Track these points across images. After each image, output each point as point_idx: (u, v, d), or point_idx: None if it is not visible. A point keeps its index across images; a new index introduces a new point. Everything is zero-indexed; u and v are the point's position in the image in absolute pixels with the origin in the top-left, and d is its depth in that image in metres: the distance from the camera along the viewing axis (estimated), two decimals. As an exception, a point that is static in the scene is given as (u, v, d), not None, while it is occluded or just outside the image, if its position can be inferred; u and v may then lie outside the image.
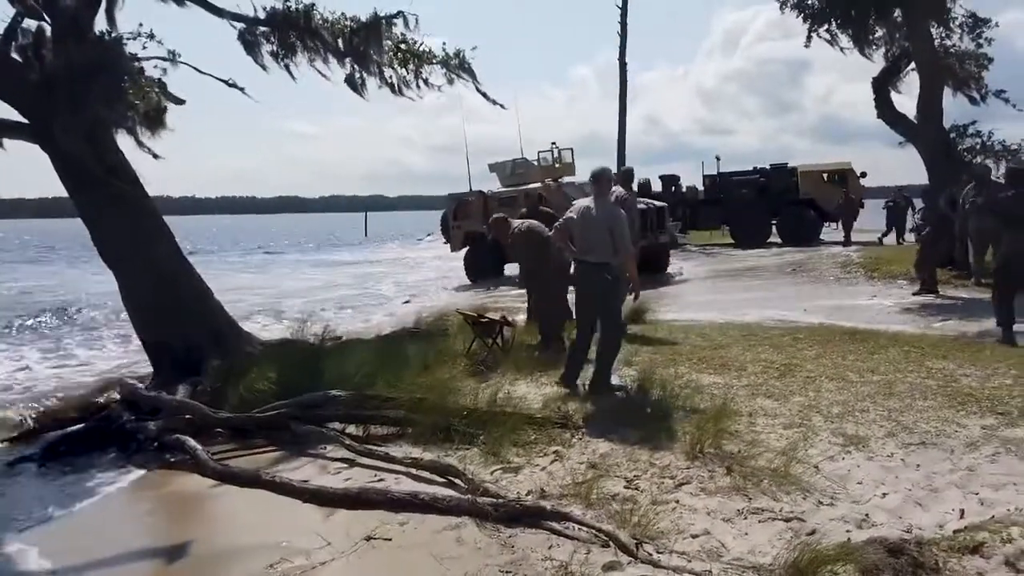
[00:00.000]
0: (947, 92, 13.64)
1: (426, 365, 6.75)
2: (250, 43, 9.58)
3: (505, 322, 7.28)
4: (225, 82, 9.88)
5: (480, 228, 16.11)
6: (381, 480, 4.63)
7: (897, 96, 14.33)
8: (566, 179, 17.84)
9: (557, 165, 18.24)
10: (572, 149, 19.71)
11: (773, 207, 23.81)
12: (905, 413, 4.99)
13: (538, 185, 15.83)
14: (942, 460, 4.24)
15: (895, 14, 12.92)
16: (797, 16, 13.33)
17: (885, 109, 13.90)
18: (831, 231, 24.18)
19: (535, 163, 18.69)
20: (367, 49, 9.98)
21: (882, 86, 14.10)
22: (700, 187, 26.14)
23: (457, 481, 4.36)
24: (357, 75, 10.68)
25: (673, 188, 25.25)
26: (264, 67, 9.68)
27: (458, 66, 10.79)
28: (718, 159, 26.10)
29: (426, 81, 11.04)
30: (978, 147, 12.66)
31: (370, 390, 5.83)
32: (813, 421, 4.94)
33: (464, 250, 18.28)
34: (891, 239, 21.11)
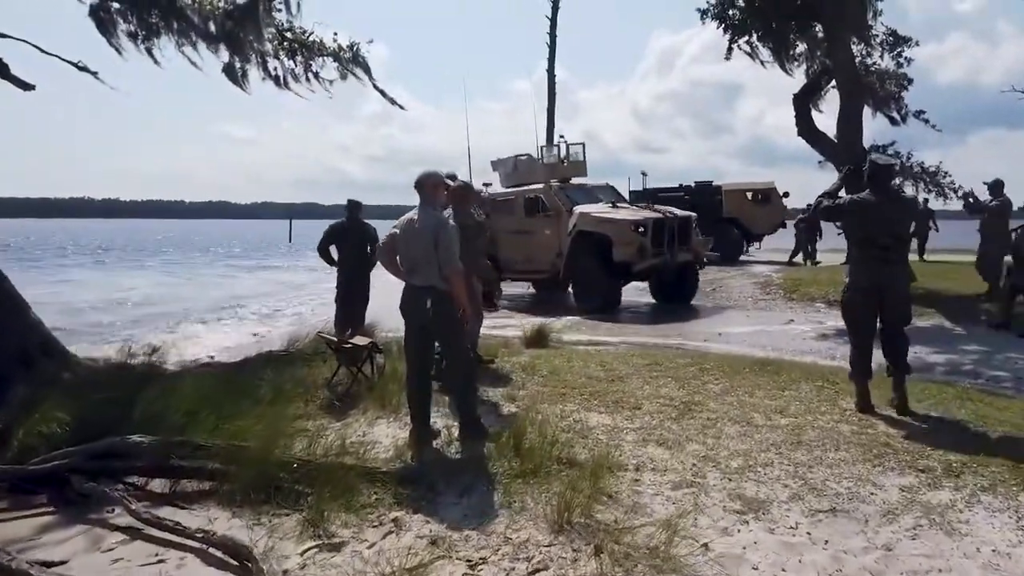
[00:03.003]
0: (867, 112, 13.39)
1: (273, 400, 5.71)
2: (103, 21, 8.38)
3: (374, 348, 6.30)
4: (75, 65, 8.63)
5: None
6: (160, 561, 3.59)
7: (819, 116, 14.04)
8: (576, 180, 15.32)
9: (565, 163, 15.58)
10: (584, 144, 16.49)
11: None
12: (814, 468, 4.23)
13: (539, 186, 14.12)
14: (855, 534, 3.48)
15: (816, 28, 12.58)
16: (718, 27, 12.88)
17: (805, 127, 13.55)
18: (756, 251, 24.07)
19: (539, 161, 15.94)
20: (244, 35, 8.90)
21: (803, 104, 13.76)
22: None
23: (251, 566, 3.37)
24: (237, 65, 9.60)
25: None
26: (119, 49, 8.48)
27: (351, 60, 9.83)
28: (644, 175, 25.63)
29: (316, 75, 10.06)
30: (896, 168, 12.37)
31: (186, 434, 4.75)
32: (708, 479, 4.13)
33: None
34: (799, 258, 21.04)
